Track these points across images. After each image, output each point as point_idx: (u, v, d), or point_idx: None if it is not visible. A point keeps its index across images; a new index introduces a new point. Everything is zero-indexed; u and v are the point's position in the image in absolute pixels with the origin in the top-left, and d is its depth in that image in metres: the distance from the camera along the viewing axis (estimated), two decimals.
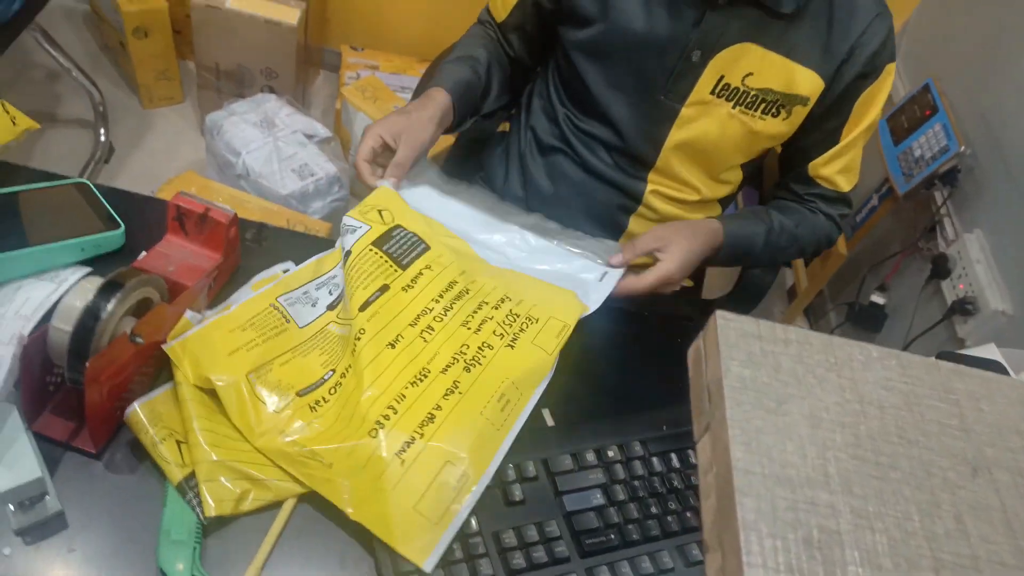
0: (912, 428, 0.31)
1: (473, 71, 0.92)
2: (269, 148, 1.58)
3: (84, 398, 0.52)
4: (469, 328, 0.69)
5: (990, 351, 0.83)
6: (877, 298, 1.70)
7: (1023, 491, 0.30)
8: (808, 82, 0.84)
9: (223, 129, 1.60)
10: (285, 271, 0.72)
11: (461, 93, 0.89)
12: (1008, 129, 1.42)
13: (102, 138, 1.77)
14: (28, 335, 0.55)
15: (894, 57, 0.86)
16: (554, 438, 0.65)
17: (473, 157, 1.12)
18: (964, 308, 1.39)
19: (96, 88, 1.77)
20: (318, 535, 0.56)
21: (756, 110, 0.85)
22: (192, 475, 0.55)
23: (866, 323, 1.71)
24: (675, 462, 0.65)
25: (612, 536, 0.59)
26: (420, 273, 0.71)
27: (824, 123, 0.88)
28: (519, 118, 1.03)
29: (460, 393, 0.63)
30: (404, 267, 0.71)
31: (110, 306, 0.54)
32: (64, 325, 0.53)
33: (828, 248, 0.99)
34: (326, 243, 0.77)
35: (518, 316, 0.72)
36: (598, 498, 0.61)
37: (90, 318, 0.53)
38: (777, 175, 1.01)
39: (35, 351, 0.54)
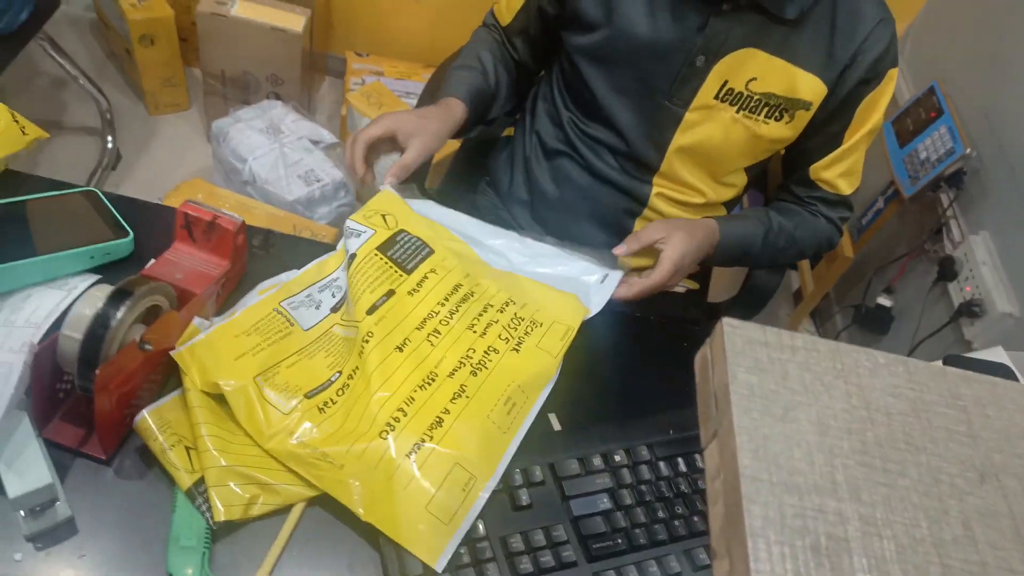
0: (919, 435, 0.31)
1: (484, 78, 0.93)
2: (275, 154, 1.59)
3: (94, 405, 0.53)
4: (475, 332, 0.69)
5: (997, 354, 0.83)
6: (884, 300, 1.69)
7: None
8: (811, 87, 0.84)
9: (229, 136, 1.61)
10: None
11: (475, 103, 0.90)
12: (1013, 131, 1.41)
13: (109, 145, 1.78)
14: (38, 343, 0.56)
15: (897, 62, 0.86)
16: (561, 443, 0.65)
17: (478, 162, 1.13)
18: (971, 310, 1.39)
19: (103, 95, 1.78)
20: (327, 539, 0.56)
21: (759, 114, 0.86)
22: (201, 481, 0.55)
23: (873, 325, 1.70)
24: (682, 466, 0.65)
25: (619, 540, 0.59)
26: (425, 277, 0.71)
27: (826, 127, 0.89)
28: (524, 123, 1.03)
29: (467, 397, 0.63)
30: (409, 271, 0.71)
31: (120, 314, 0.54)
32: (74, 333, 0.53)
33: (829, 251, 0.99)
34: (332, 249, 0.77)
35: (522, 320, 0.72)
36: (605, 502, 0.61)
37: (100, 326, 0.54)
38: (780, 173, 1.01)
39: (45, 359, 0.54)
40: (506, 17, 0.97)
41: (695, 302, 1.13)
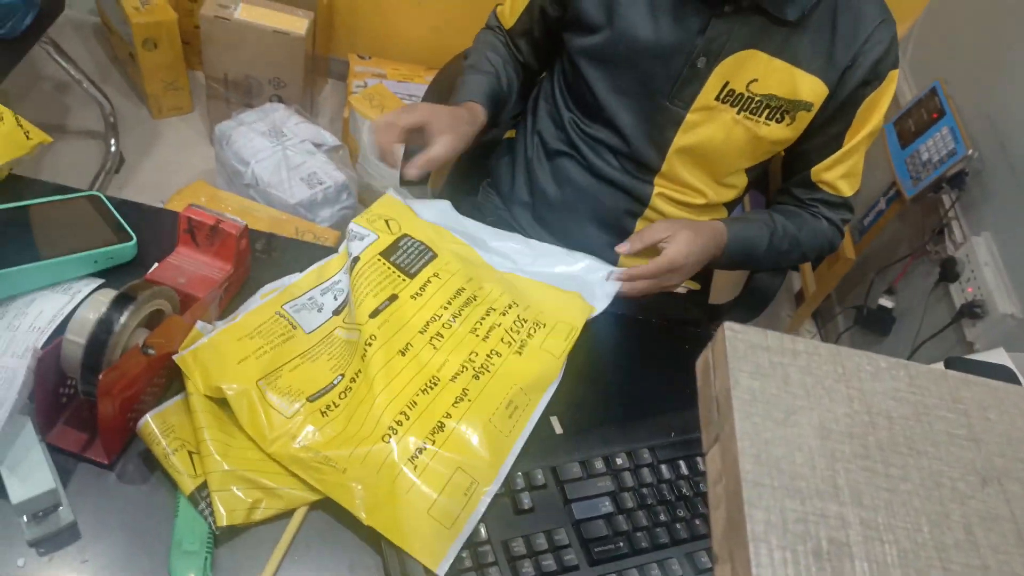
0: (921, 438, 0.31)
1: (497, 81, 0.94)
2: (278, 157, 1.59)
3: (97, 410, 0.53)
4: (477, 335, 0.69)
5: (999, 356, 0.83)
6: (885, 302, 1.69)
7: None
8: (812, 88, 0.84)
9: (232, 139, 1.61)
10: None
11: (493, 106, 0.91)
12: (1015, 131, 1.41)
13: (112, 148, 1.79)
14: (42, 348, 0.56)
15: (897, 64, 0.86)
16: (562, 446, 0.65)
17: (479, 163, 1.13)
18: (973, 311, 1.38)
19: (106, 99, 1.78)
20: (329, 544, 0.57)
21: (760, 116, 0.86)
22: (204, 485, 0.55)
23: (874, 327, 1.70)
24: (684, 469, 0.65)
25: (621, 544, 0.59)
26: (428, 281, 0.72)
27: (827, 128, 0.89)
28: (525, 123, 1.04)
29: (469, 401, 0.64)
30: (412, 276, 0.71)
31: (123, 318, 0.54)
32: (77, 338, 0.54)
33: (830, 253, 0.99)
34: (335, 252, 0.77)
35: (526, 321, 0.73)
36: (607, 506, 0.61)
37: (103, 331, 0.54)
38: (781, 178, 1.01)
39: (49, 363, 0.54)
40: (509, 20, 0.98)
41: (697, 303, 1.13)
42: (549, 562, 0.56)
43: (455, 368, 0.66)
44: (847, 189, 0.93)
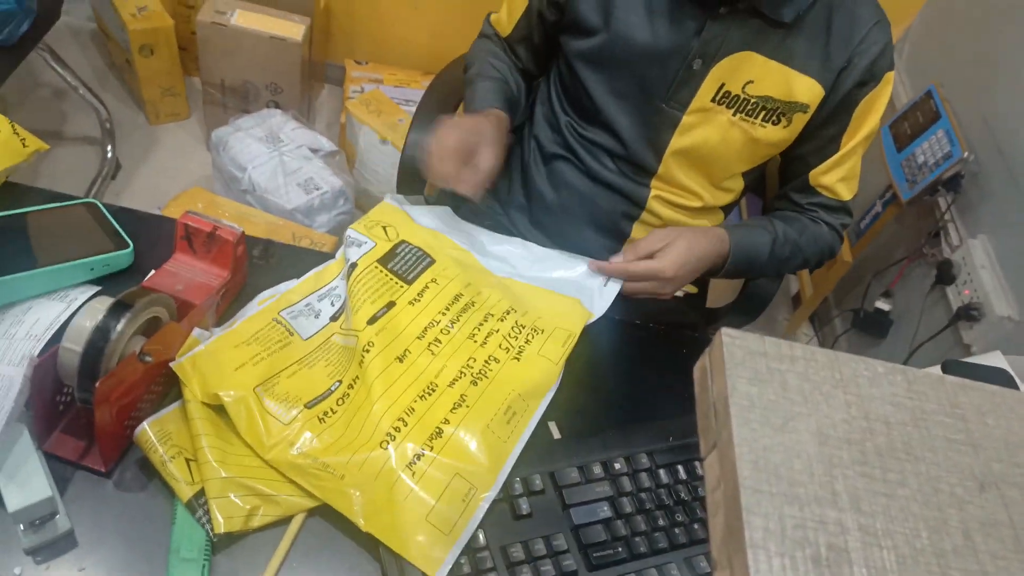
0: (919, 444, 0.31)
1: (508, 87, 0.95)
2: (274, 163, 1.59)
3: (94, 418, 0.53)
4: (475, 341, 0.69)
5: (996, 359, 0.83)
6: (882, 304, 1.69)
7: None
8: (808, 90, 0.84)
9: (229, 144, 1.61)
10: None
11: (511, 113, 0.91)
12: (1011, 134, 1.42)
13: (109, 154, 1.79)
14: (38, 356, 0.56)
15: (893, 65, 0.86)
16: (561, 451, 0.65)
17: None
18: (969, 314, 1.39)
19: (103, 105, 1.78)
20: (327, 550, 0.56)
21: (756, 117, 0.86)
22: (201, 492, 0.55)
23: (871, 329, 1.70)
24: (682, 474, 0.65)
25: (620, 549, 0.59)
26: (426, 287, 0.72)
27: (824, 131, 0.89)
28: (522, 128, 1.04)
29: (467, 407, 0.63)
30: (410, 282, 0.71)
31: (120, 326, 0.54)
32: (74, 345, 0.53)
33: (831, 259, 0.99)
34: (331, 258, 0.77)
35: (524, 327, 0.72)
36: (605, 511, 0.61)
37: (100, 338, 0.54)
38: (778, 184, 1.01)
39: (45, 372, 0.54)
40: (507, 27, 0.98)
41: (694, 306, 1.13)
42: (548, 567, 0.56)
43: (453, 374, 0.66)
44: (846, 193, 0.93)
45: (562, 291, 0.80)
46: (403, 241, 0.75)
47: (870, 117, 0.88)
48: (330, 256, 0.77)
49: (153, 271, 0.68)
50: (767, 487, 0.28)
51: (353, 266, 0.71)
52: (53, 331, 0.62)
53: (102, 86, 1.97)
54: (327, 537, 0.57)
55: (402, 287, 0.70)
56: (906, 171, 1.58)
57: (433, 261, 0.74)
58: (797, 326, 1.98)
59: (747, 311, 1.09)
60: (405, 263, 0.73)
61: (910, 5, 1.84)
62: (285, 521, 0.57)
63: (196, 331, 0.62)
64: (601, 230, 0.98)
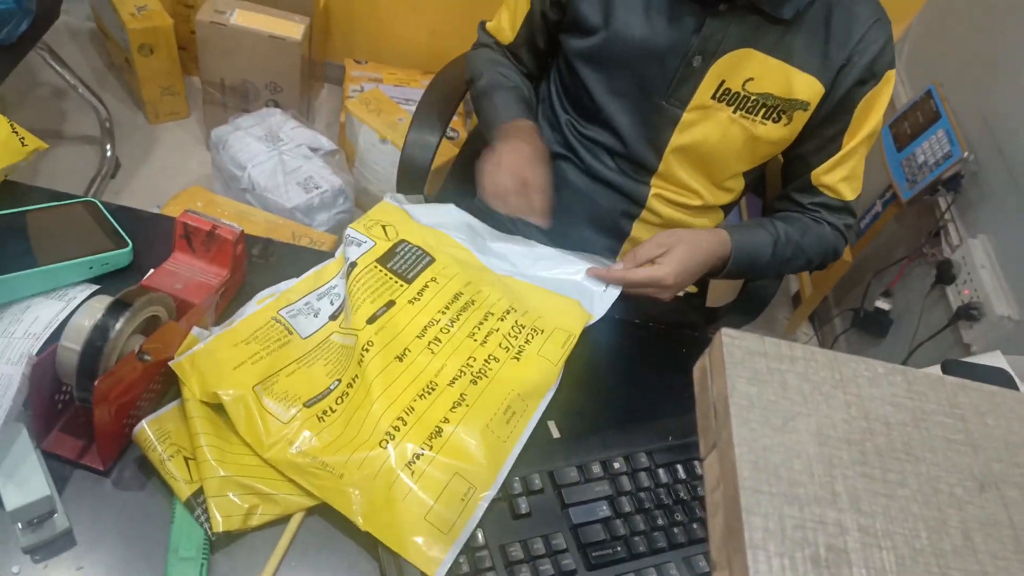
0: (919, 444, 0.31)
1: (524, 93, 0.95)
2: (274, 162, 1.59)
3: (93, 416, 0.53)
4: (475, 340, 0.69)
5: (996, 358, 0.83)
6: (882, 304, 1.69)
7: None
8: (807, 87, 0.84)
9: (228, 143, 1.61)
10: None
11: (533, 119, 0.92)
12: (1011, 134, 1.42)
13: (108, 154, 1.79)
14: (37, 354, 0.56)
15: (894, 64, 0.86)
16: (560, 450, 0.65)
17: (477, 167, 1.13)
18: (969, 314, 1.39)
19: (102, 104, 1.78)
20: (325, 549, 0.56)
21: (757, 115, 0.86)
22: (200, 491, 0.55)
23: (871, 329, 1.71)
24: (681, 473, 0.65)
25: (619, 548, 0.59)
26: (426, 286, 0.71)
27: (825, 129, 0.89)
28: None
29: (467, 406, 0.63)
30: (409, 281, 0.71)
31: (118, 325, 0.54)
32: (73, 344, 0.53)
33: (834, 260, 0.98)
34: (331, 257, 0.77)
35: (523, 327, 0.72)
36: (604, 510, 0.61)
37: (99, 337, 0.54)
38: (779, 182, 1.01)
39: (44, 370, 0.54)
40: (509, 34, 0.98)
41: (693, 306, 1.13)
42: (547, 567, 0.56)
43: (453, 373, 0.66)
44: (848, 193, 0.93)
45: (562, 292, 0.80)
46: (403, 240, 0.75)
47: (871, 116, 0.88)
48: (329, 255, 0.77)
49: (152, 270, 0.68)
50: (767, 487, 0.28)
51: (352, 265, 0.70)
52: (52, 330, 0.62)
53: (101, 85, 1.97)
54: (326, 536, 0.57)
55: (402, 286, 0.70)
56: (906, 171, 1.58)
57: (433, 260, 0.74)
58: (797, 325, 1.98)
59: (747, 310, 1.09)
60: (405, 262, 0.73)
61: (910, 5, 1.84)
62: (284, 520, 0.57)
63: (195, 330, 0.62)
64: (601, 229, 0.98)
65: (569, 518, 0.60)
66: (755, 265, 0.91)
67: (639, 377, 0.77)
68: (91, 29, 2.08)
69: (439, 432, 0.60)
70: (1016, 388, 0.79)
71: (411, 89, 2.00)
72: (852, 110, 0.87)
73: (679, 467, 0.65)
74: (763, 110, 0.85)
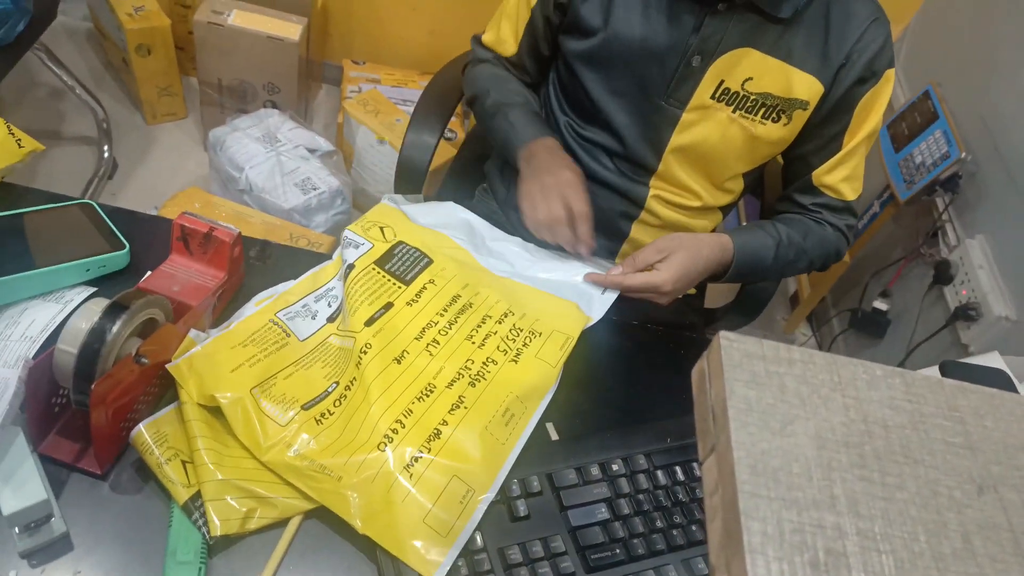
0: (917, 447, 0.31)
1: (534, 107, 0.95)
2: (272, 163, 1.59)
3: (90, 420, 0.52)
4: (473, 342, 0.69)
5: (994, 359, 0.83)
6: (880, 304, 1.70)
7: None
8: (807, 86, 0.84)
9: (226, 144, 1.61)
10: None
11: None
12: (1009, 134, 1.42)
13: (105, 154, 1.78)
14: (33, 357, 0.56)
15: (893, 63, 0.86)
16: (558, 452, 0.65)
17: (475, 168, 1.13)
18: (967, 314, 1.39)
19: (99, 105, 1.78)
20: (324, 552, 0.56)
21: (756, 114, 0.86)
22: (198, 495, 0.55)
23: (869, 330, 1.71)
24: (680, 475, 0.65)
25: (617, 551, 0.59)
26: (424, 287, 0.71)
27: (825, 129, 0.89)
28: None
29: (465, 408, 0.63)
30: (407, 283, 0.71)
31: (115, 328, 0.54)
32: (70, 347, 0.53)
33: (836, 261, 0.97)
34: (328, 259, 0.77)
35: (521, 330, 0.72)
36: (603, 512, 0.61)
37: (95, 340, 0.53)
38: (779, 183, 1.01)
39: (41, 373, 0.54)
40: (510, 46, 0.97)
41: (692, 307, 1.13)
42: (545, 570, 0.56)
43: (451, 375, 0.65)
44: (850, 193, 0.93)
45: (561, 294, 0.80)
46: (401, 242, 0.75)
47: (872, 115, 0.87)
48: (327, 257, 0.76)
49: (149, 272, 0.68)
50: (765, 491, 0.28)
51: (350, 267, 0.70)
52: (48, 333, 0.62)
53: (99, 86, 1.96)
54: (324, 539, 0.57)
55: (400, 288, 0.70)
56: (904, 171, 1.58)
57: (431, 261, 0.74)
58: (795, 326, 1.98)
59: (745, 311, 1.09)
60: (403, 264, 0.73)
61: (908, 5, 1.84)
62: (282, 523, 0.57)
63: (192, 332, 0.62)
64: (600, 230, 0.98)
65: (568, 520, 0.60)
66: (757, 269, 0.91)
67: (637, 378, 0.77)
68: (88, 29, 2.08)
69: (437, 434, 0.60)
70: (1014, 389, 0.80)
71: (409, 90, 2.00)
72: (852, 109, 0.87)
73: (678, 469, 0.65)
74: (763, 110, 0.85)
